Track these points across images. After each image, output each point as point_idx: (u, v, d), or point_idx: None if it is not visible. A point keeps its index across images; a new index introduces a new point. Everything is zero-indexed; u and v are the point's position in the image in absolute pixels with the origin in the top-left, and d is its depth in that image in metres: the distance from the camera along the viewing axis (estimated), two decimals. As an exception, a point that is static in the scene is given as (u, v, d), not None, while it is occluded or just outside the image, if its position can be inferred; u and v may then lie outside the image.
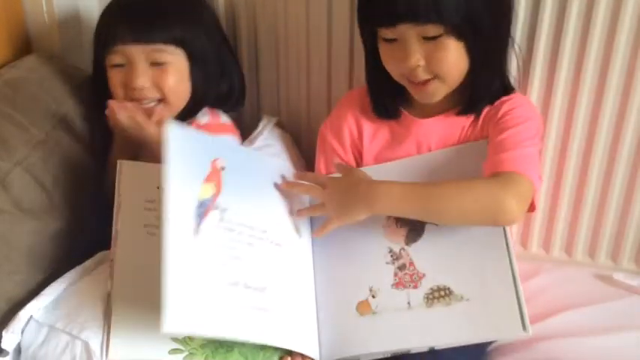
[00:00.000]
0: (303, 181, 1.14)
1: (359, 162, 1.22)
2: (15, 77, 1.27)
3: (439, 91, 1.11)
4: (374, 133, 1.21)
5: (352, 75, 1.39)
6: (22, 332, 1.04)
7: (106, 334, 1.00)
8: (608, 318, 1.19)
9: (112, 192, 1.10)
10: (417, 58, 1.06)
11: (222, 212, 1.02)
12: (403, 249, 1.09)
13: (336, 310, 1.08)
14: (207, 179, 1.02)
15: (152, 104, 1.23)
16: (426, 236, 1.09)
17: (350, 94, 1.27)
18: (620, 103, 1.23)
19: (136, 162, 1.16)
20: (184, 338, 1.02)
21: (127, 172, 1.12)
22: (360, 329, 1.06)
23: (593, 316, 1.19)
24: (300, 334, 1.06)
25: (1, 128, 1.17)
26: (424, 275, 1.06)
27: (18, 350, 1.05)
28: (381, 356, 1.06)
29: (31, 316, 1.04)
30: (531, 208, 1.08)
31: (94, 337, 1.00)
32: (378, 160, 1.20)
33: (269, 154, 1.30)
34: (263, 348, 1.04)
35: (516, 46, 1.20)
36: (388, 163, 1.18)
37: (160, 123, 1.15)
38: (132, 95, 1.22)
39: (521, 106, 1.13)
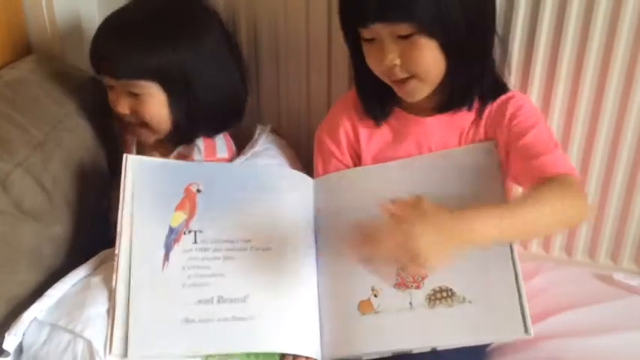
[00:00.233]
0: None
1: (357, 163, 1.23)
2: (15, 78, 1.27)
3: (419, 90, 1.11)
4: (371, 134, 1.21)
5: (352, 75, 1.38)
6: (24, 333, 1.04)
7: (109, 329, 1.01)
8: (608, 318, 1.20)
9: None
10: (392, 57, 1.06)
11: (196, 234, 1.10)
12: None
13: (337, 309, 1.09)
14: (179, 206, 1.12)
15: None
16: None
17: (344, 96, 1.26)
18: (620, 103, 1.23)
19: (142, 157, 1.17)
20: None
21: (133, 166, 1.13)
22: (362, 328, 1.06)
23: (593, 316, 1.19)
24: (297, 334, 1.07)
25: (2, 129, 1.16)
26: (426, 276, 1.06)
27: (19, 349, 1.05)
28: (382, 356, 1.06)
29: (35, 317, 1.04)
30: None
31: (97, 336, 1.00)
32: (377, 160, 1.20)
33: (268, 156, 1.30)
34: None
35: (497, 40, 1.16)
36: (392, 162, 1.18)
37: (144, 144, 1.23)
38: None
39: (526, 103, 1.14)
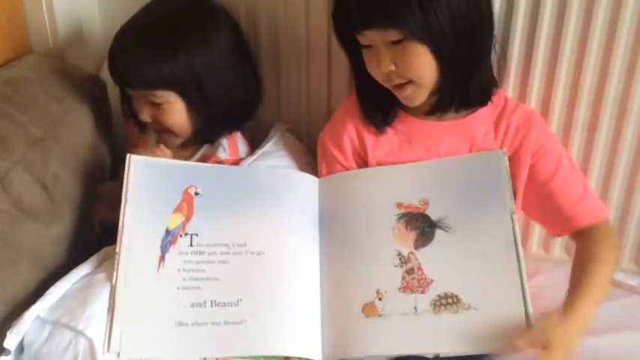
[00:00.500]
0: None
1: (362, 167, 1.22)
2: (14, 76, 1.27)
3: (417, 94, 1.11)
4: (377, 139, 1.20)
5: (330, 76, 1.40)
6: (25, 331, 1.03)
7: (108, 326, 1.01)
8: (608, 318, 1.19)
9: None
10: (387, 63, 1.07)
11: (192, 237, 1.10)
12: (412, 253, 1.09)
13: (341, 311, 1.08)
14: (177, 209, 1.12)
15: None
16: (436, 242, 1.09)
17: (349, 100, 1.25)
18: (620, 103, 1.23)
19: (145, 157, 1.17)
20: None
21: (136, 166, 1.13)
22: (365, 331, 1.05)
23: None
24: (294, 337, 1.06)
25: (0, 127, 1.16)
26: (432, 281, 1.06)
27: (20, 348, 1.04)
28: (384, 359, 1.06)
29: (37, 316, 1.03)
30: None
31: (98, 334, 1.00)
32: (383, 165, 1.19)
33: (276, 157, 1.31)
34: None
35: (498, 46, 1.18)
36: (401, 164, 1.17)
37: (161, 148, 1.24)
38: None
39: (547, 128, 1.20)
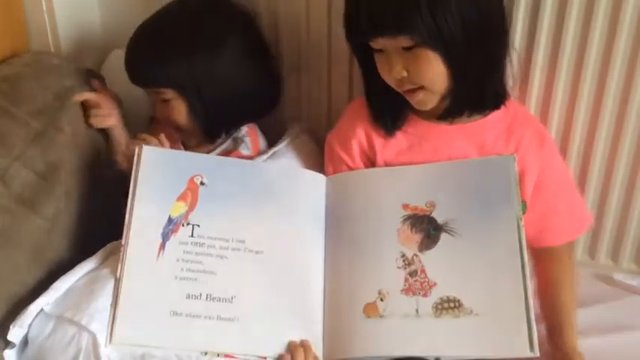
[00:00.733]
0: None
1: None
2: (13, 73, 1.26)
3: (428, 99, 1.11)
4: (386, 142, 1.19)
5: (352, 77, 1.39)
6: (30, 325, 1.03)
7: (111, 318, 1.02)
8: (608, 318, 1.20)
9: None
10: (399, 70, 1.07)
11: (194, 228, 1.10)
12: (416, 255, 1.09)
13: (342, 310, 1.08)
14: (181, 197, 1.11)
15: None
16: (440, 246, 1.09)
17: (357, 102, 1.24)
18: (620, 103, 1.23)
19: (156, 148, 1.17)
20: None
21: (146, 157, 1.12)
22: (366, 331, 1.05)
23: (593, 316, 1.20)
24: (292, 337, 1.06)
25: (-1, 124, 1.16)
26: (435, 284, 1.06)
27: (24, 341, 1.04)
28: (385, 360, 1.06)
29: (42, 309, 1.03)
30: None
31: (102, 329, 1.00)
32: (391, 165, 1.19)
33: (287, 157, 1.30)
34: None
35: (515, 54, 1.18)
36: (409, 166, 1.17)
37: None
38: None
39: (556, 149, 1.23)
